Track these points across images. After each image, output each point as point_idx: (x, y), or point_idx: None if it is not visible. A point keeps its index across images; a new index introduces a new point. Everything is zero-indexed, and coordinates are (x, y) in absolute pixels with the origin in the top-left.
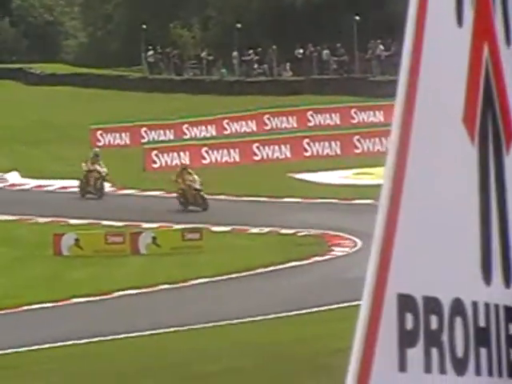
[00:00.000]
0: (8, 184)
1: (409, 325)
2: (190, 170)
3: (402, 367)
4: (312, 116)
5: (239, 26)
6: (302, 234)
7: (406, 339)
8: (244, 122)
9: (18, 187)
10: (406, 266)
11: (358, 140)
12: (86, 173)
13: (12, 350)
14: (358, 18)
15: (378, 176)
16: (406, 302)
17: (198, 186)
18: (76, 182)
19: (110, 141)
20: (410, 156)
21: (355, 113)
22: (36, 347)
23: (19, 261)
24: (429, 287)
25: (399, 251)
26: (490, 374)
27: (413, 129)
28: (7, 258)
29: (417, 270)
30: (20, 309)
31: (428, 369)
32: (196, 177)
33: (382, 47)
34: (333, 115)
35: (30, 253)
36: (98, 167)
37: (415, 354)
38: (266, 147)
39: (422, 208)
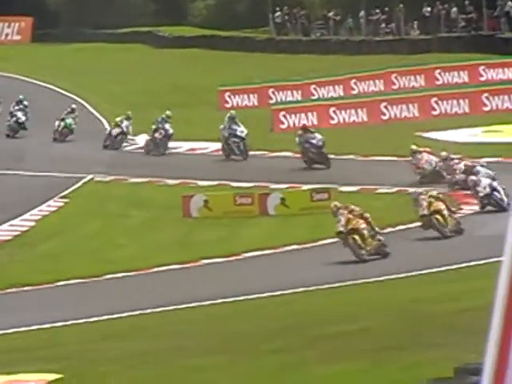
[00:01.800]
0: (138, 146)
1: None
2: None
3: None
4: (440, 74)
5: None
6: (432, 193)
7: None
8: (371, 82)
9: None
10: None
11: (487, 98)
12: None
13: (144, 311)
14: None
15: (507, 133)
16: None
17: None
18: (204, 144)
19: (237, 102)
20: None
21: (483, 70)
22: (162, 309)
23: (149, 223)
24: None
25: None
26: None
27: None
28: (137, 221)
29: None
30: (150, 270)
31: None
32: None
33: (511, 4)
34: (461, 73)
35: (160, 215)
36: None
37: None
38: (394, 106)
39: None
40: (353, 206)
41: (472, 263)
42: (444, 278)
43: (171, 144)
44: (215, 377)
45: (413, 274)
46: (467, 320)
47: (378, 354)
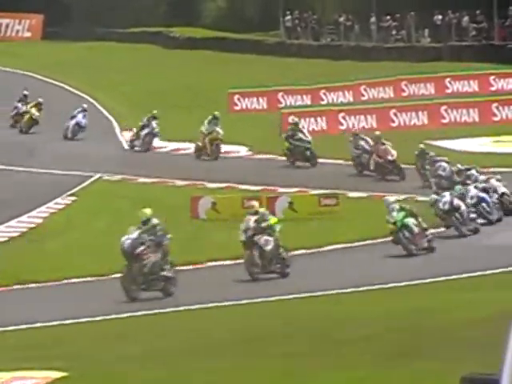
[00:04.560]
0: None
1: None
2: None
3: None
4: (450, 83)
5: None
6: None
7: None
8: (381, 88)
9: (156, 150)
10: None
11: (497, 107)
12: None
13: (151, 310)
14: None
15: None
16: None
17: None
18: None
19: (247, 105)
20: None
21: (494, 80)
22: (170, 309)
23: None
24: None
25: None
26: None
27: None
28: None
29: None
30: None
31: None
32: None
33: None
34: (471, 82)
35: (168, 215)
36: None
37: None
38: (404, 114)
39: None
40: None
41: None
42: (440, 288)
43: (179, 145)
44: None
45: (411, 283)
46: (473, 331)
47: (379, 361)
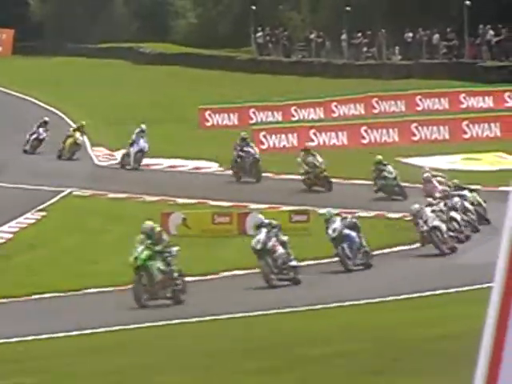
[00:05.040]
0: (117, 162)
1: None
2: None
3: None
4: (421, 100)
5: (348, 8)
6: (409, 218)
7: None
8: (352, 105)
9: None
10: None
11: (467, 125)
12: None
13: (120, 326)
14: (468, 2)
15: (486, 162)
16: None
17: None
18: (183, 162)
19: (218, 121)
20: None
21: (464, 98)
22: (138, 325)
23: (127, 238)
24: None
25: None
26: None
27: None
28: (115, 236)
29: None
30: (128, 286)
31: None
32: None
33: (492, 32)
34: (442, 100)
35: (138, 231)
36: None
37: None
38: (375, 131)
39: None
40: None
41: (454, 290)
42: (413, 304)
43: (150, 161)
44: None
45: (384, 299)
46: (446, 346)
47: (354, 378)
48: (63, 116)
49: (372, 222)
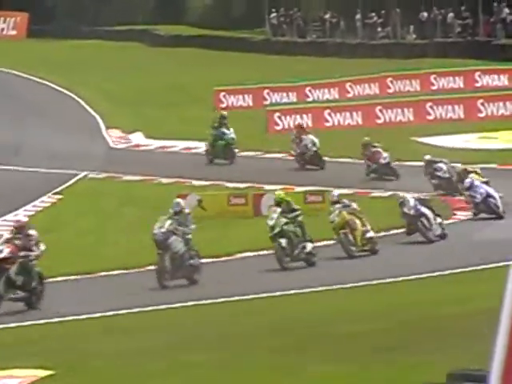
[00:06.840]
0: (132, 144)
1: None
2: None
3: None
4: (435, 79)
5: None
6: (425, 197)
7: None
8: (367, 85)
9: (142, 148)
10: None
11: (482, 104)
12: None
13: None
14: None
15: (502, 140)
16: None
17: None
18: (200, 144)
19: (232, 102)
20: None
21: (479, 76)
22: (153, 308)
23: (142, 221)
24: None
25: None
26: None
27: None
28: (131, 218)
29: None
30: (143, 269)
31: None
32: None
33: (507, 10)
34: (456, 78)
35: (153, 213)
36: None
37: None
38: (389, 110)
39: None
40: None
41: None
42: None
43: (165, 143)
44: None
45: (403, 278)
46: (462, 324)
47: (368, 356)
48: (79, 100)
49: (386, 202)
